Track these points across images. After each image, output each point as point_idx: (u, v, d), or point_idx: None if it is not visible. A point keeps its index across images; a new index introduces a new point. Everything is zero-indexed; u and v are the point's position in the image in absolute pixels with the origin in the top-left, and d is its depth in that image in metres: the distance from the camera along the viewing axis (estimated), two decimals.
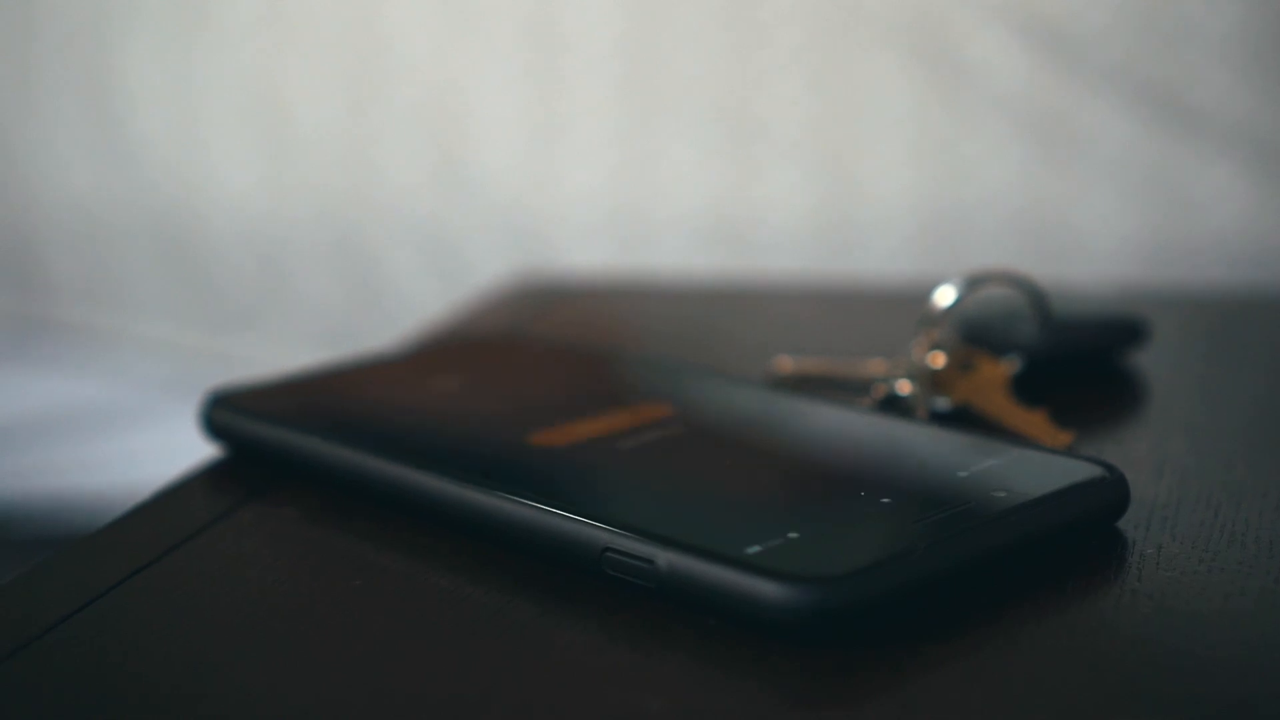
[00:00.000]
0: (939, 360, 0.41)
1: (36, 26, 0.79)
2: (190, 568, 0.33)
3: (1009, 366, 0.42)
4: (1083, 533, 0.32)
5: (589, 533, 0.31)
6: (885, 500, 0.31)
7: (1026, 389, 0.41)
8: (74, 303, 0.81)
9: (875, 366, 0.43)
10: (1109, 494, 0.32)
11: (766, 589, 0.28)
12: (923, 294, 0.43)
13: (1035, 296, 0.43)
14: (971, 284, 0.42)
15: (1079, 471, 0.33)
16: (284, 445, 0.37)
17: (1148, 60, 0.64)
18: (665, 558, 0.29)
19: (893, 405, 0.41)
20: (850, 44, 0.67)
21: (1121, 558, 0.32)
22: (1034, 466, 0.33)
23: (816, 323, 0.54)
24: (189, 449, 0.40)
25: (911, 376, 0.41)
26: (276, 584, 0.32)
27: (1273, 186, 0.64)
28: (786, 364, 0.44)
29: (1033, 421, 0.39)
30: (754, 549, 0.29)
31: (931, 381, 0.41)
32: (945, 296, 0.42)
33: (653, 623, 0.29)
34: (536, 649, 0.29)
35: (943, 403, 0.40)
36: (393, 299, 0.76)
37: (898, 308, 0.49)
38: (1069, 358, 0.44)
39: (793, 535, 0.30)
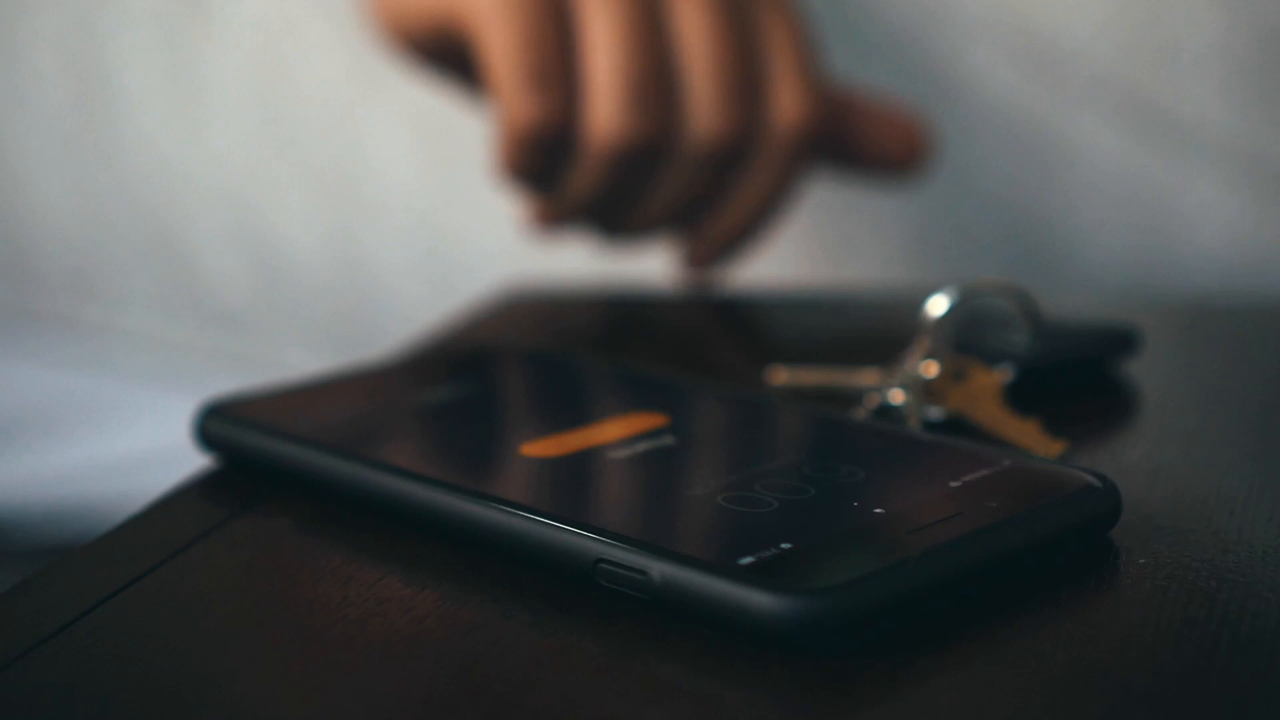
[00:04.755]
0: (931, 370, 0.41)
1: (24, 16, 0.79)
2: (187, 578, 0.33)
3: (1002, 376, 0.42)
4: (1076, 543, 0.32)
5: (582, 544, 0.31)
6: (878, 510, 0.32)
7: (1019, 398, 0.41)
8: (61, 294, 0.81)
9: (869, 376, 0.43)
10: (1101, 504, 0.32)
11: (759, 600, 0.28)
12: (916, 303, 0.43)
13: (1028, 305, 0.43)
14: (964, 293, 0.42)
15: (1071, 481, 0.33)
16: (278, 456, 0.37)
17: (1133, 74, 0.64)
18: (659, 569, 0.29)
19: (886, 415, 0.41)
20: (842, 54, 0.67)
21: (1115, 567, 0.32)
22: (1026, 477, 0.33)
23: (811, 332, 0.54)
24: (178, 445, 0.40)
25: (904, 386, 0.41)
26: (274, 594, 0.32)
27: (1259, 198, 0.64)
28: (780, 374, 0.44)
29: (1026, 431, 0.39)
30: (747, 559, 0.29)
31: (924, 391, 0.41)
32: (938, 306, 0.42)
33: (650, 633, 0.29)
34: (533, 659, 0.29)
35: (935, 412, 0.41)
36: (385, 298, 0.76)
37: (892, 317, 0.49)
38: (1062, 367, 0.44)
39: (786, 546, 0.30)
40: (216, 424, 0.38)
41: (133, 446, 0.71)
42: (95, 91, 0.78)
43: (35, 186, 0.80)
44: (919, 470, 0.34)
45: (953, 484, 0.33)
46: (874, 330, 0.52)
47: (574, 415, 0.38)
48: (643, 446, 0.35)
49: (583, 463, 0.35)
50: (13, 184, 0.80)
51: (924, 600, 0.29)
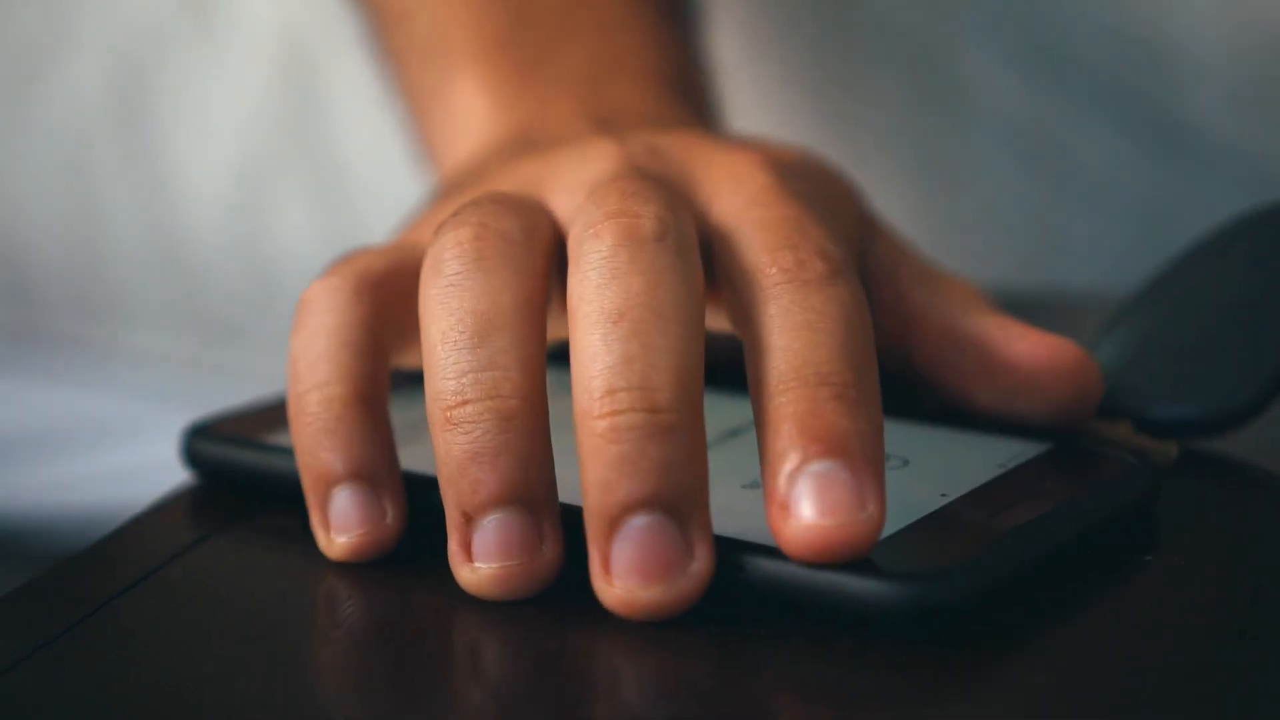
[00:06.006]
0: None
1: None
2: (187, 580, 0.32)
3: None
4: (1121, 525, 0.32)
5: None
6: (943, 495, 0.31)
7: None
8: (65, 313, 0.80)
9: None
10: (1148, 482, 0.32)
11: (871, 587, 0.27)
12: None
13: None
14: None
15: (1118, 462, 0.32)
16: (267, 473, 0.35)
17: (1135, 79, 0.64)
18: (757, 563, 0.29)
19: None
20: (846, 58, 0.67)
21: (1128, 563, 0.31)
22: (1076, 459, 0.33)
23: None
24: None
25: None
26: (274, 596, 0.32)
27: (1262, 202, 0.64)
28: None
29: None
30: None
31: None
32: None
33: (668, 630, 0.28)
34: (537, 659, 0.28)
35: None
36: None
37: None
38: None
39: None
40: (203, 445, 0.36)
41: (138, 461, 0.71)
42: (96, 109, 0.78)
43: (37, 205, 0.80)
44: (969, 456, 0.33)
45: (1001, 468, 0.32)
46: None
47: None
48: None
49: None
50: (14, 203, 0.80)
51: (1020, 580, 0.29)
